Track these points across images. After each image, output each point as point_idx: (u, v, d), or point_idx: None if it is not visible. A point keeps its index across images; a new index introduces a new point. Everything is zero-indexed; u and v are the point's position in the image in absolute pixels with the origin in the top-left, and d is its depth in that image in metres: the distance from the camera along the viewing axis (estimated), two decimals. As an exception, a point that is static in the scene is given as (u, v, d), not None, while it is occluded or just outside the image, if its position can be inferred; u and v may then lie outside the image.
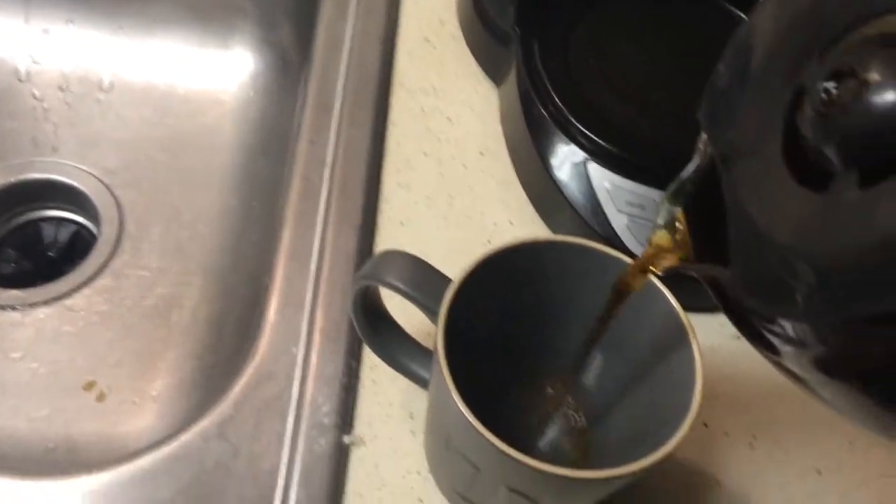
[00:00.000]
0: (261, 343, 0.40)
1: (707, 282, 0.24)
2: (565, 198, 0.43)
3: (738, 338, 0.36)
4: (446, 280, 0.31)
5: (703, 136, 0.24)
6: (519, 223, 0.47)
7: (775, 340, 0.21)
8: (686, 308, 0.31)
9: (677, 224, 0.25)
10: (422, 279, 0.32)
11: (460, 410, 0.27)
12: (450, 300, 0.30)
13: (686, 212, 0.25)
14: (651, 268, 0.27)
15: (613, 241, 0.42)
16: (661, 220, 0.25)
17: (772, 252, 0.20)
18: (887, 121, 0.17)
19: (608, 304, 0.30)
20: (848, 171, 0.18)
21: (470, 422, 0.27)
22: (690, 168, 0.25)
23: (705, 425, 0.40)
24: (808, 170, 0.19)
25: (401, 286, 0.32)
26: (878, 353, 0.18)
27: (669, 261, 0.25)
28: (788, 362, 0.21)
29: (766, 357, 0.22)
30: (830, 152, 0.18)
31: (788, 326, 0.19)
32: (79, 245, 0.57)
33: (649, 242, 0.26)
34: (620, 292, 0.29)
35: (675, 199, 0.25)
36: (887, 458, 0.40)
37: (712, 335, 0.43)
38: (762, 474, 0.39)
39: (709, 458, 0.39)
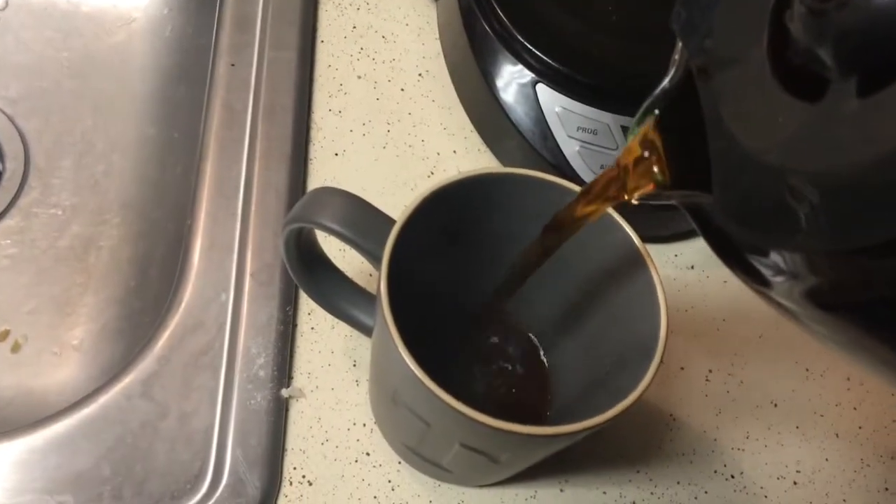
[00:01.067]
0: (185, 290, 0.37)
1: (688, 210, 0.22)
2: (512, 123, 0.40)
3: (693, 269, 0.34)
4: (387, 220, 0.29)
5: (679, 45, 0.22)
6: (463, 152, 0.44)
7: (765, 271, 0.19)
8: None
9: (652, 146, 0.22)
10: (360, 220, 0.29)
11: (407, 364, 0.25)
12: (393, 242, 0.28)
13: (662, 133, 0.22)
14: (625, 196, 0.24)
15: (564, 168, 0.39)
16: (632, 141, 0.23)
17: (759, 174, 0.18)
18: (891, 14, 0.14)
19: (553, 230, 0.27)
20: (845, 77, 0.15)
21: (418, 377, 0.25)
22: (665, 83, 0.22)
23: (661, 361, 0.38)
24: (798, 78, 0.17)
25: (337, 228, 0.29)
26: (877, 283, 0.16)
27: (644, 187, 0.23)
28: (778, 295, 0.19)
29: (752, 289, 0.20)
30: (825, 55, 0.16)
31: (779, 256, 0.18)
32: (-20, 183, 0.52)
33: (615, 177, 0.24)
34: (578, 220, 0.26)
35: (648, 118, 0.22)
36: (841, 387, 0.39)
37: (667, 266, 0.41)
38: (719, 408, 0.38)
39: (665, 393, 0.38)
